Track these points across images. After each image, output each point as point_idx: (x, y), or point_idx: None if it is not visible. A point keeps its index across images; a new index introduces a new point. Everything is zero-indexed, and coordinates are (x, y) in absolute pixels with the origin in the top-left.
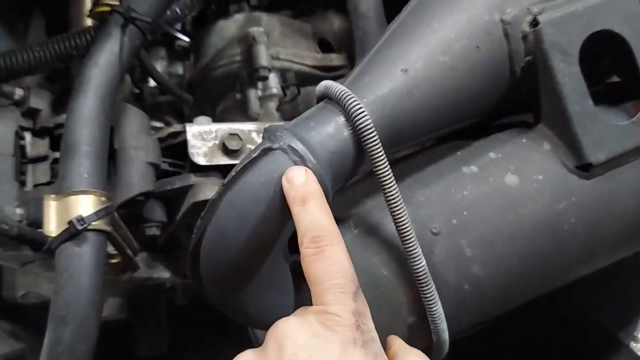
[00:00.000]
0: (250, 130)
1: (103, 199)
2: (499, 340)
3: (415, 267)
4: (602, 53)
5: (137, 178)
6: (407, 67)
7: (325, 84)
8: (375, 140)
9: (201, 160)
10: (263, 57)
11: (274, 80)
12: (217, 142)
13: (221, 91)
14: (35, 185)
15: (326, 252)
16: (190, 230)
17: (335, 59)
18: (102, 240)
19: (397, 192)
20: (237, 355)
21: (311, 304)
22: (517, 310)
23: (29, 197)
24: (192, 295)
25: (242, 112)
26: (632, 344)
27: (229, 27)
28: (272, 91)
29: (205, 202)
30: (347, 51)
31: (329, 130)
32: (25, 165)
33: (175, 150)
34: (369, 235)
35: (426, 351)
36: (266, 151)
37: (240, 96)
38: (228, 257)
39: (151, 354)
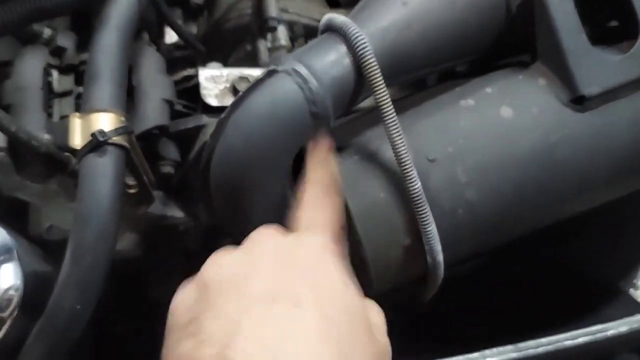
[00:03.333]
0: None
1: (122, 119)
2: (494, 292)
3: (411, 188)
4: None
5: (153, 112)
6: (406, 0)
7: (327, 16)
8: (375, 66)
9: (213, 102)
10: (272, 8)
11: (282, 32)
12: (227, 85)
13: (232, 43)
14: (62, 117)
15: (332, 194)
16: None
17: (342, 15)
18: (121, 154)
19: (394, 117)
20: (217, 252)
21: None
22: (513, 262)
23: (56, 126)
24: (204, 240)
25: (252, 63)
26: (632, 291)
27: None
28: (280, 42)
29: None
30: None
31: (331, 58)
32: (52, 100)
33: (188, 94)
34: (368, 161)
35: (423, 277)
36: (271, 73)
37: (251, 48)
38: (235, 175)
39: (165, 298)
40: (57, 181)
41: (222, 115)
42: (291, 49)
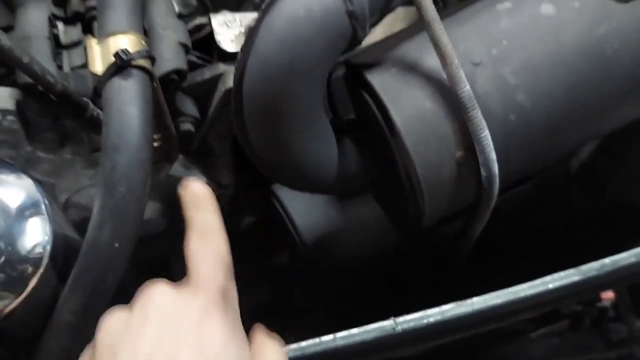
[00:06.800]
0: None
1: (143, 42)
2: (530, 232)
3: (460, 91)
4: None
5: (169, 54)
6: None
7: None
8: None
9: (229, 47)
10: None
11: None
12: (242, 29)
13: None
14: (72, 69)
15: (212, 240)
16: (222, 139)
17: None
18: (146, 78)
19: (435, 14)
20: (109, 312)
21: (354, 166)
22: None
23: (68, 76)
24: (227, 211)
25: None
26: None
27: None
28: None
29: None
30: None
31: None
32: (60, 53)
33: (202, 45)
34: (409, 71)
35: (476, 192)
36: None
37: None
38: (271, 88)
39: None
40: (70, 150)
41: (253, 24)
42: None
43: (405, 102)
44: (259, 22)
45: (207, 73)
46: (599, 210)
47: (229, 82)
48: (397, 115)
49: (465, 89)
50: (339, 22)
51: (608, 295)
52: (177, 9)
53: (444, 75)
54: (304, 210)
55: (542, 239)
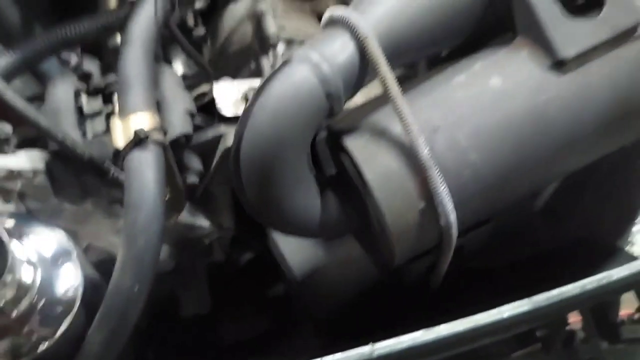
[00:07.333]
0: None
1: (157, 118)
2: (497, 265)
3: (420, 153)
4: None
5: (177, 121)
6: None
7: (329, 10)
8: (376, 47)
9: (228, 112)
10: (272, 26)
11: (282, 49)
12: (240, 95)
13: (238, 65)
14: (94, 135)
15: None
16: (222, 187)
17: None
18: (160, 149)
19: (397, 89)
20: None
21: (335, 215)
22: (511, 235)
23: (92, 143)
24: (228, 249)
25: None
26: (628, 248)
27: (238, 8)
28: (281, 59)
29: None
30: None
31: (337, 44)
32: (83, 122)
33: (204, 110)
34: (379, 136)
35: (439, 236)
36: (287, 62)
37: (254, 66)
38: (264, 153)
39: (196, 313)
40: (92, 202)
41: (247, 104)
42: None
43: (375, 163)
44: (254, 100)
45: (209, 134)
46: (562, 244)
47: (229, 141)
48: (369, 174)
49: (425, 152)
50: (319, 101)
51: (577, 319)
52: (182, 70)
53: (408, 140)
54: (295, 250)
55: (508, 271)
